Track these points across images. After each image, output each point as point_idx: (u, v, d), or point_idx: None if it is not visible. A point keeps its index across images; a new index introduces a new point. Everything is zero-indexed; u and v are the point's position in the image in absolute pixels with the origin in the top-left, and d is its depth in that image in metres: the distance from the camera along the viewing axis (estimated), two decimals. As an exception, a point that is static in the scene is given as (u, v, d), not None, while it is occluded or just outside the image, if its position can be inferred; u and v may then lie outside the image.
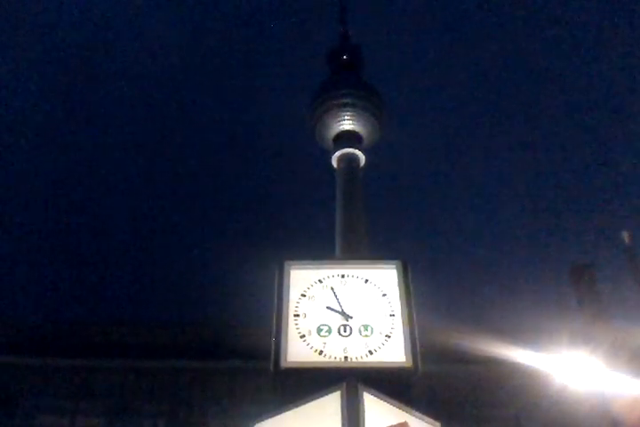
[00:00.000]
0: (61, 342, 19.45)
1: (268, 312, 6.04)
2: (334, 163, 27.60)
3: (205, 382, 18.95)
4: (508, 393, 18.10)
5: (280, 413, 5.41)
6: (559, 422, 18.42)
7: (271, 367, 5.60)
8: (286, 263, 6.28)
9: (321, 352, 5.67)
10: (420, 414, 5.32)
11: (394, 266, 6.32)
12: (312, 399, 5.11)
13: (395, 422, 5.03)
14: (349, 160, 25.73)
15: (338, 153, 26.91)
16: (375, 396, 5.07)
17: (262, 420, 5.57)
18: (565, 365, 14.31)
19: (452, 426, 17.26)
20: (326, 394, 5.01)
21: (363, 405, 4.87)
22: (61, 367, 19.14)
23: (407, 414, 5.17)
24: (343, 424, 4.77)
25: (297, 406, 5.25)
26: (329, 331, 5.81)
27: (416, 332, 5.80)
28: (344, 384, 4.97)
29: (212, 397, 19.00)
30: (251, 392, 16.42)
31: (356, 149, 26.31)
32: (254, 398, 15.34)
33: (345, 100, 26.33)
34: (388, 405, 5.09)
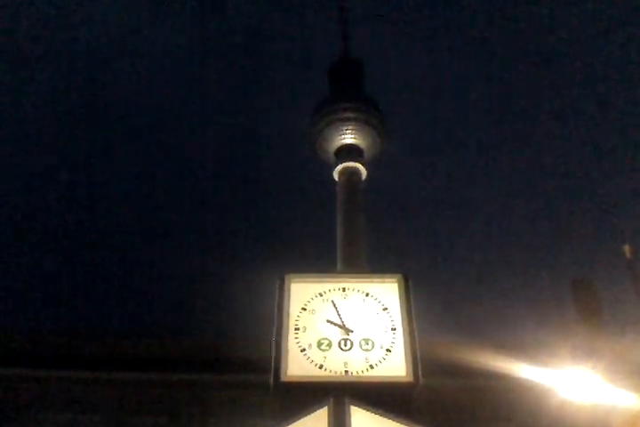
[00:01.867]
0: (59, 354, 19.38)
1: (268, 325, 6.04)
2: (335, 176, 27.61)
3: (204, 396, 18.88)
4: (509, 408, 18.02)
5: None
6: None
7: (271, 381, 5.59)
8: (287, 277, 6.28)
9: (321, 366, 5.66)
10: (416, 425, 5.29)
11: (395, 280, 6.32)
12: (304, 415, 5.09)
13: None
14: (350, 173, 25.69)
15: (339, 166, 26.92)
16: (365, 409, 5.02)
17: None
18: (566, 379, 14.25)
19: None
20: (316, 410, 4.98)
21: (349, 419, 4.82)
22: (59, 380, 19.06)
23: (402, 426, 5.13)
24: None
25: (289, 424, 5.24)
26: (329, 345, 5.81)
27: (417, 346, 5.79)
28: (331, 399, 4.93)
29: (211, 410, 18.92)
30: (250, 406, 16.36)
31: (357, 162, 26.34)
32: (254, 411, 15.27)
33: (346, 115, 26.37)
34: (381, 418, 5.05)
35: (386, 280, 6.37)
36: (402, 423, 5.10)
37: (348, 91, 27.97)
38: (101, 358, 19.30)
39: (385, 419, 5.04)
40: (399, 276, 6.34)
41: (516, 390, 17.29)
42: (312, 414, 5.00)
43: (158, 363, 18.92)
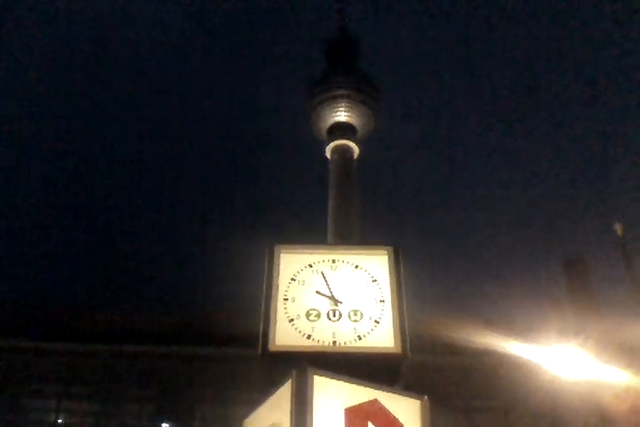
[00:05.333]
0: (49, 326, 19.42)
1: (258, 298, 6.01)
2: (328, 154, 27.58)
3: (193, 368, 18.96)
4: (498, 384, 18.15)
5: (260, 404, 5.42)
6: (548, 412, 18.50)
7: (259, 351, 5.57)
8: (276, 247, 6.24)
9: (309, 336, 5.64)
10: (399, 390, 5.27)
11: (385, 252, 6.29)
12: (279, 387, 5.08)
13: (363, 401, 4.98)
14: (343, 151, 25.69)
15: (332, 144, 26.90)
16: (336, 378, 4.98)
17: (248, 416, 5.62)
18: (555, 356, 14.32)
19: (441, 417, 17.29)
20: (286, 381, 4.97)
21: (311, 389, 4.77)
22: (49, 352, 19.12)
23: (380, 391, 5.09)
24: (291, 410, 4.69)
25: (269, 396, 5.24)
26: (318, 315, 5.79)
27: (405, 318, 5.77)
28: (294, 371, 4.90)
29: (200, 383, 19.01)
30: (239, 379, 16.42)
31: (350, 140, 26.28)
32: (242, 384, 15.32)
33: (340, 92, 26.26)
34: (355, 385, 5.01)
35: (376, 253, 6.33)
36: (371, 387, 5.07)
37: (343, 68, 27.87)
38: (91, 331, 19.35)
39: (353, 385, 5.01)
40: (389, 248, 6.31)
41: (506, 366, 17.40)
42: (284, 386, 4.99)
43: (148, 336, 18.97)
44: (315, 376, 4.86)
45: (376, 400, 5.03)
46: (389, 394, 5.13)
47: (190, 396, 19.17)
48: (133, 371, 19.25)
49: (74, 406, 19.84)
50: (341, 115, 24.22)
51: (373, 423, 4.90)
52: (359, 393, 5.00)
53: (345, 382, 4.99)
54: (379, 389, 5.10)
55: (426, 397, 5.30)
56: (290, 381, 4.88)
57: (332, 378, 4.96)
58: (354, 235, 10.28)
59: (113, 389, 19.38)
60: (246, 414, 5.66)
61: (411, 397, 5.26)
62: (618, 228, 14.72)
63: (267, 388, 5.32)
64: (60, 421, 19.29)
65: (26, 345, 18.99)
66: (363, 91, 24.69)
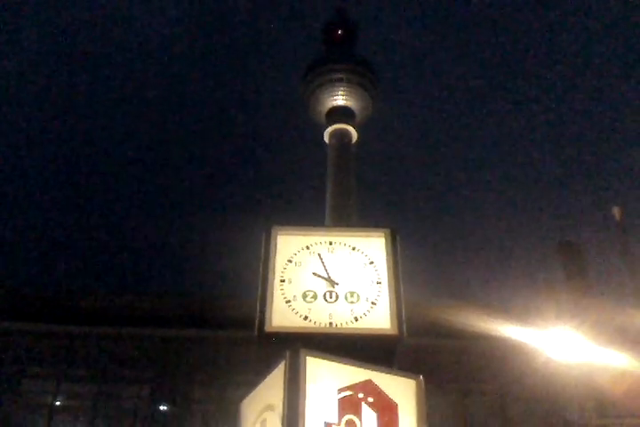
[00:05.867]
0: (47, 308, 19.42)
1: (255, 280, 6.00)
2: (326, 138, 27.47)
3: (190, 351, 19.00)
4: (494, 367, 18.22)
5: (256, 386, 5.46)
6: (544, 396, 18.58)
7: (255, 332, 5.57)
8: (274, 229, 6.24)
9: (306, 318, 5.65)
10: (393, 370, 5.29)
11: (382, 234, 6.28)
12: (274, 368, 5.10)
13: (357, 381, 5.00)
14: (341, 135, 25.59)
15: (330, 128, 26.79)
16: (330, 359, 5.00)
17: (245, 398, 5.65)
18: (551, 339, 14.35)
19: (436, 400, 17.38)
20: (280, 363, 4.99)
21: (304, 369, 4.80)
22: (46, 334, 19.13)
23: (374, 372, 5.12)
24: (284, 390, 4.73)
25: (265, 377, 5.28)
26: (314, 297, 5.79)
27: (402, 300, 5.77)
28: (287, 352, 4.92)
29: (198, 365, 19.05)
30: (236, 361, 16.48)
31: (348, 124, 26.17)
32: (240, 366, 15.43)
33: (338, 76, 26.13)
34: (349, 366, 5.03)
35: (373, 235, 6.33)
36: (365, 368, 5.09)
37: (341, 52, 27.71)
38: (89, 314, 19.36)
39: (347, 366, 5.03)
40: (386, 230, 6.30)
41: (502, 349, 17.46)
42: (278, 368, 5.02)
43: (146, 319, 18.99)
44: (308, 357, 4.89)
45: (370, 380, 5.05)
46: (384, 374, 5.16)
47: (188, 378, 19.22)
48: (131, 354, 19.28)
49: (71, 389, 19.87)
50: (339, 99, 24.09)
51: (367, 403, 4.93)
52: (353, 374, 5.02)
53: (339, 362, 5.01)
54: (373, 369, 5.12)
55: (421, 376, 5.31)
56: (283, 362, 4.91)
57: (326, 359, 4.98)
58: (351, 218, 10.24)
59: (110, 371, 19.41)
60: (243, 396, 5.69)
61: (405, 377, 5.27)
62: (616, 212, 14.70)
63: (264, 370, 5.34)
64: (57, 403, 19.33)
65: (24, 327, 19.00)
66: (361, 74, 24.57)
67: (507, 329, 15.44)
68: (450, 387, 18.76)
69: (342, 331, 5.55)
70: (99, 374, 19.23)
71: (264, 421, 5.10)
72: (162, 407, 19.40)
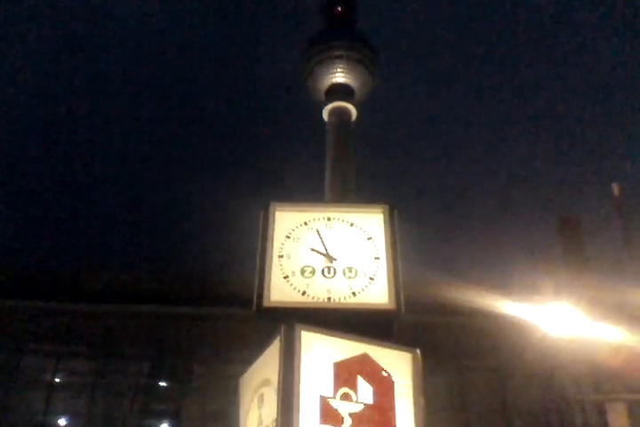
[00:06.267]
0: (47, 285, 19.45)
1: (254, 256, 6.02)
2: (325, 116, 27.35)
3: (191, 328, 19.05)
4: (491, 343, 18.29)
5: (254, 361, 5.52)
6: (541, 371, 18.68)
7: (254, 307, 5.61)
8: (272, 205, 6.25)
9: (304, 293, 5.68)
10: (389, 344, 5.31)
11: (380, 210, 6.30)
12: (271, 343, 5.14)
13: (353, 355, 5.04)
14: (341, 113, 25.48)
15: (329, 106, 26.67)
16: (325, 334, 5.04)
17: (244, 373, 5.70)
18: (549, 315, 14.39)
19: (434, 376, 17.48)
20: (276, 338, 5.03)
21: (299, 344, 4.84)
22: (47, 311, 19.17)
23: (370, 346, 5.16)
24: (279, 365, 4.79)
25: (262, 353, 5.33)
26: (313, 272, 5.82)
27: (400, 275, 5.80)
28: (282, 326, 4.96)
29: (198, 341, 19.12)
30: (236, 337, 16.52)
31: (347, 102, 26.07)
32: (240, 342, 15.40)
33: (337, 53, 25.98)
34: (345, 340, 5.07)
35: (371, 211, 6.35)
36: (361, 342, 5.12)
37: (341, 28, 27.56)
38: (89, 291, 19.39)
39: (343, 340, 5.07)
40: (385, 206, 6.32)
41: (499, 325, 17.52)
42: (274, 343, 5.06)
43: (146, 296, 19.01)
44: (303, 332, 4.93)
45: (366, 354, 5.09)
46: (380, 348, 5.20)
47: (188, 355, 19.31)
48: (131, 330, 19.32)
49: (71, 366, 19.95)
50: (339, 76, 23.97)
51: (363, 377, 4.96)
52: (349, 348, 5.06)
53: (334, 337, 5.06)
54: (369, 343, 5.16)
55: (417, 350, 5.34)
56: (279, 337, 4.95)
57: (321, 333, 5.02)
58: (350, 195, 10.22)
59: (111, 348, 19.47)
60: (243, 372, 5.73)
61: (401, 350, 5.31)
62: (615, 188, 14.68)
63: (262, 345, 5.37)
64: (57, 380, 19.42)
65: (22, 305, 19.04)
66: (360, 51, 24.46)
67: (504, 305, 15.48)
68: (448, 364, 18.85)
69: (340, 306, 5.59)
70: (98, 352, 19.29)
71: (261, 395, 5.14)
72: (162, 383, 19.52)
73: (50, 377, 19.20)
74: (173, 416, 18.75)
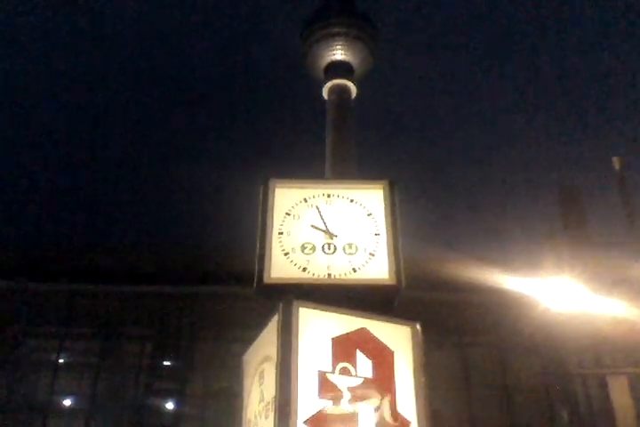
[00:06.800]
0: (49, 266, 19.48)
1: (254, 234, 6.02)
2: (325, 94, 27.23)
3: (193, 307, 19.13)
4: (492, 319, 18.36)
5: (255, 339, 5.55)
6: (543, 345, 18.76)
7: (254, 283, 5.62)
8: (271, 182, 6.23)
9: (304, 269, 5.68)
10: (389, 318, 5.32)
11: (380, 186, 6.28)
12: (270, 321, 5.16)
13: (352, 330, 5.06)
14: (340, 91, 25.37)
15: (329, 84, 26.54)
16: (323, 309, 5.05)
17: (246, 352, 5.73)
18: (550, 289, 14.39)
19: (435, 353, 17.56)
20: (274, 314, 5.05)
21: (296, 320, 4.87)
22: (49, 292, 19.23)
23: (369, 320, 5.17)
24: (277, 342, 4.81)
25: (262, 330, 5.35)
26: (313, 249, 5.81)
27: (400, 251, 5.80)
28: (280, 304, 4.97)
29: (201, 321, 19.20)
30: (238, 317, 16.58)
31: (347, 79, 25.93)
32: (242, 322, 15.47)
33: (337, 29, 25.82)
34: (343, 315, 5.08)
35: (371, 187, 6.33)
36: (360, 317, 5.14)
37: (340, 5, 27.36)
38: (90, 271, 19.41)
39: (341, 315, 5.08)
40: (385, 182, 6.30)
41: (499, 300, 17.56)
42: (272, 320, 5.08)
43: (147, 275, 19.05)
44: (301, 308, 4.95)
45: (365, 329, 5.10)
46: (379, 322, 5.21)
47: (191, 334, 19.40)
48: (134, 310, 19.40)
49: (75, 346, 20.07)
50: (338, 53, 23.84)
51: (362, 351, 4.98)
52: (348, 323, 5.07)
53: (333, 312, 5.07)
54: (368, 317, 5.17)
55: (417, 323, 5.35)
56: (277, 314, 4.97)
57: (320, 309, 5.04)
58: (351, 172, 10.18)
59: (114, 328, 19.58)
60: (245, 350, 5.76)
61: (401, 324, 5.32)
62: (616, 161, 14.60)
63: (263, 322, 5.39)
64: (61, 360, 19.54)
65: (26, 286, 19.08)
66: (360, 28, 24.31)
67: (506, 281, 15.49)
68: (449, 340, 18.95)
69: (341, 282, 5.59)
70: (102, 332, 19.39)
71: (262, 372, 5.17)
72: (165, 363, 19.63)
73: (54, 358, 19.32)
74: (178, 395, 18.87)
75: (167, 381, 19.15)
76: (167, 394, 19.06)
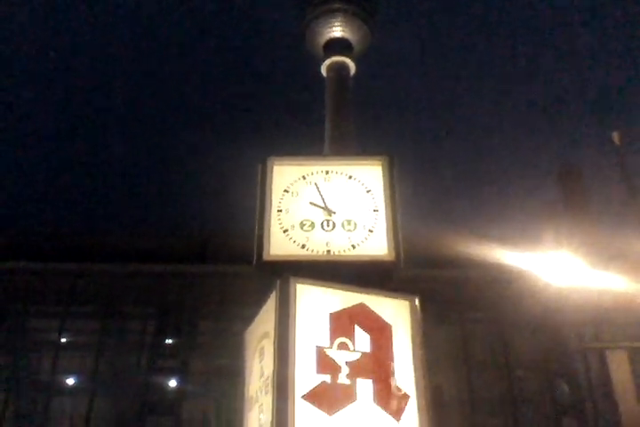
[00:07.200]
0: (52, 246, 19.51)
1: (254, 212, 6.01)
2: (324, 72, 27.07)
3: (195, 286, 19.16)
4: (492, 295, 18.38)
5: (256, 316, 5.57)
6: (542, 320, 18.82)
7: (254, 261, 5.62)
8: (269, 159, 6.21)
9: (304, 246, 5.68)
10: (387, 292, 5.34)
11: (379, 162, 6.26)
12: (268, 298, 5.18)
13: (350, 305, 5.07)
14: (339, 68, 25.21)
15: (327, 61, 26.38)
16: (321, 285, 5.08)
17: (247, 329, 5.75)
18: (549, 265, 14.37)
19: (436, 329, 17.63)
20: (272, 292, 5.08)
21: (294, 296, 4.90)
22: (51, 272, 19.26)
23: (368, 295, 5.19)
24: (275, 318, 4.85)
25: (262, 307, 5.36)
26: (312, 226, 5.81)
27: (399, 227, 5.79)
28: (277, 281, 4.98)
29: (202, 299, 19.25)
30: (241, 295, 16.64)
31: (346, 56, 25.76)
32: (244, 299, 15.51)
33: (335, 6, 25.59)
34: (341, 291, 5.10)
35: (370, 163, 6.30)
36: (358, 292, 5.16)
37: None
38: (93, 251, 19.44)
39: (340, 291, 5.10)
40: (383, 158, 6.27)
41: (500, 276, 17.58)
42: (271, 297, 5.10)
43: (150, 255, 19.06)
44: (298, 285, 4.98)
45: (363, 304, 5.12)
46: (377, 297, 5.23)
47: (192, 312, 19.47)
48: (136, 289, 19.44)
49: (77, 326, 20.16)
50: (337, 30, 23.67)
51: (360, 326, 5.00)
52: (346, 298, 5.10)
53: (330, 288, 5.10)
54: (366, 293, 5.19)
55: (416, 298, 5.37)
56: (275, 291, 4.98)
57: (317, 285, 5.06)
58: (350, 148, 10.17)
59: (116, 307, 19.65)
60: (247, 327, 5.79)
61: (399, 298, 5.33)
62: (615, 137, 14.49)
63: (262, 300, 5.41)
64: (63, 340, 19.62)
65: (27, 266, 19.11)
66: (359, 5, 24.09)
67: (505, 256, 15.48)
68: (450, 316, 19.00)
69: (340, 258, 5.59)
70: (103, 311, 19.45)
71: (262, 349, 5.20)
72: (167, 341, 19.73)
73: (56, 337, 19.39)
74: (180, 372, 18.98)
75: (169, 359, 19.26)
76: (169, 372, 19.18)
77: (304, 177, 6.15)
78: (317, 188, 6.07)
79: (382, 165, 6.20)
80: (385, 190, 6.01)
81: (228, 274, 18.14)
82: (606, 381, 17.48)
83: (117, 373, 19.40)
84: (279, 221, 5.82)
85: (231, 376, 16.47)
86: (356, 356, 4.84)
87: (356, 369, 4.78)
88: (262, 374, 5.06)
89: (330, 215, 5.88)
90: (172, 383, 19.05)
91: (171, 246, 19.51)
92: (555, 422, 18.48)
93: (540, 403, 18.85)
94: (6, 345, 19.22)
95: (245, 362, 5.68)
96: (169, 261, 19.04)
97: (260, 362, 5.19)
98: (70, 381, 19.53)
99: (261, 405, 4.91)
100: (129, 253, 19.09)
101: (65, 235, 20.18)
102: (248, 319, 5.80)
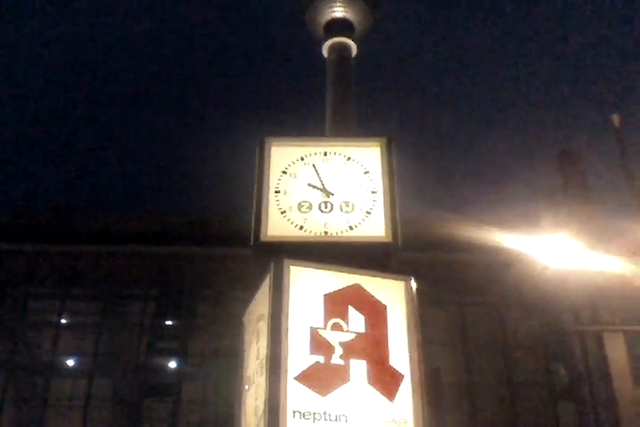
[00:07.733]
0: (50, 228, 19.46)
1: (251, 193, 6.01)
2: (325, 53, 26.95)
3: (195, 268, 19.15)
4: (490, 278, 18.40)
5: (253, 298, 5.58)
6: (541, 303, 18.87)
7: (251, 242, 5.63)
8: (267, 140, 6.20)
9: (301, 227, 5.69)
10: (382, 273, 5.35)
11: (378, 144, 6.26)
12: (263, 281, 5.19)
13: (344, 286, 5.08)
14: (340, 49, 25.07)
15: (328, 42, 26.24)
16: (315, 267, 5.10)
17: (245, 311, 5.77)
18: (549, 247, 14.38)
19: (434, 313, 17.68)
20: (267, 273, 5.08)
21: (287, 278, 4.92)
22: (51, 253, 19.24)
23: (362, 276, 5.20)
24: (269, 300, 4.87)
25: (258, 289, 5.38)
26: (310, 207, 5.81)
27: (397, 208, 5.79)
28: (271, 262, 5.00)
29: (202, 281, 19.26)
30: (240, 277, 16.65)
31: (347, 37, 25.61)
32: (244, 282, 15.57)
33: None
34: (336, 272, 5.11)
35: (368, 144, 6.30)
36: (353, 273, 5.16)
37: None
38: (92, 233, 19.40)
39: (334, 272, 5.11)
40: (382, 139, 6.27)
41: (499, 259, 17.59)
42: (266, 279, 5.11)
43: (150, 237, 19.03)
44: (292, 266, 4.99)
45: (358, 285, 5.13)
46: (373, 278, 5.23)
47: (192, 293, 19.48)
48: (136, 271, 19.43)
49: (77, 307, 20.20)
50: (338, 10, 23.52)
51: (354, 307, 5.01)
52: (341, 279, 5.11)
53: (325, 269, 5.10)
54: (361, 274, 5.20)
55: (412, 278, 5.36)
56: (269, 273, 4.99)
57: (311, 267, 5.07)
58: (350, 131, 10.11)
59: (115, 288, 19.66)
60: (244, 310, 5.81)
61: (395, 279, 5.34)
62: (615, 119, 14.43)
63: (258, 282, 5.42)
64: (63, 321, 19.65)
65: (26, 247, 19.09)
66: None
67: (504, 239, 15.48)
68: (448, 299, 19.04)
69: (337, 239, 5.60)
70: (103, 292, 19.47)
71: (258, 331, 5.22)
72: (167, 322, 19.77)
73: (56, 318, 19.43)
74: (180, 354, 19.04)
75: (169, 340, 19.31)
76: (169, 353, 19.24)
77: (302, 158, 6.15)
78: (315, 169, 6.07)
79: (381, 147, 6.19)
80: (383, 172, 6.00)
81: (228, 256, 18.14)
82: (603, 364, 17.54)
83: (117, 354, 19.48)
84: (277, 203, 5.82)
85: (230, 358, 16.56)
86: (350, 336, 4.85)
87: (350, 350, 4.79)
88: (258, 356, 5.08)
89: (328, 197, 5.88)
90: (172, 365, 19.12)
91: (171, 228, 19.46)
92: (551, 404, 18.56)
93: (537, 386, 18.93)
94: (5, 326, 19.26)
95: (245, 344, 5.71)
96: (169, 243, 19.00)
97: (257, 344, 5.21)
98: (70, 362, 19.61)
99: (257, 386, 4.93)
100: (129, 235, 19.06)
101: (65, 216, 20.11)
102: (247, 301, 5.82)
